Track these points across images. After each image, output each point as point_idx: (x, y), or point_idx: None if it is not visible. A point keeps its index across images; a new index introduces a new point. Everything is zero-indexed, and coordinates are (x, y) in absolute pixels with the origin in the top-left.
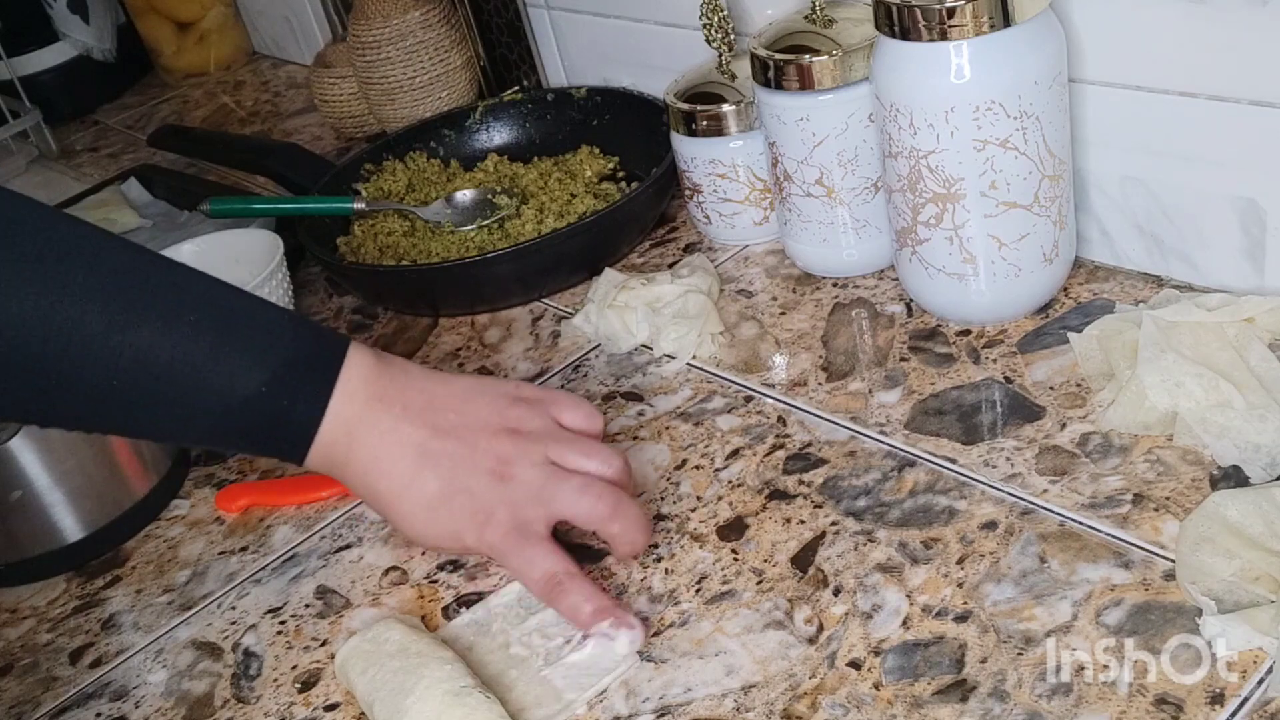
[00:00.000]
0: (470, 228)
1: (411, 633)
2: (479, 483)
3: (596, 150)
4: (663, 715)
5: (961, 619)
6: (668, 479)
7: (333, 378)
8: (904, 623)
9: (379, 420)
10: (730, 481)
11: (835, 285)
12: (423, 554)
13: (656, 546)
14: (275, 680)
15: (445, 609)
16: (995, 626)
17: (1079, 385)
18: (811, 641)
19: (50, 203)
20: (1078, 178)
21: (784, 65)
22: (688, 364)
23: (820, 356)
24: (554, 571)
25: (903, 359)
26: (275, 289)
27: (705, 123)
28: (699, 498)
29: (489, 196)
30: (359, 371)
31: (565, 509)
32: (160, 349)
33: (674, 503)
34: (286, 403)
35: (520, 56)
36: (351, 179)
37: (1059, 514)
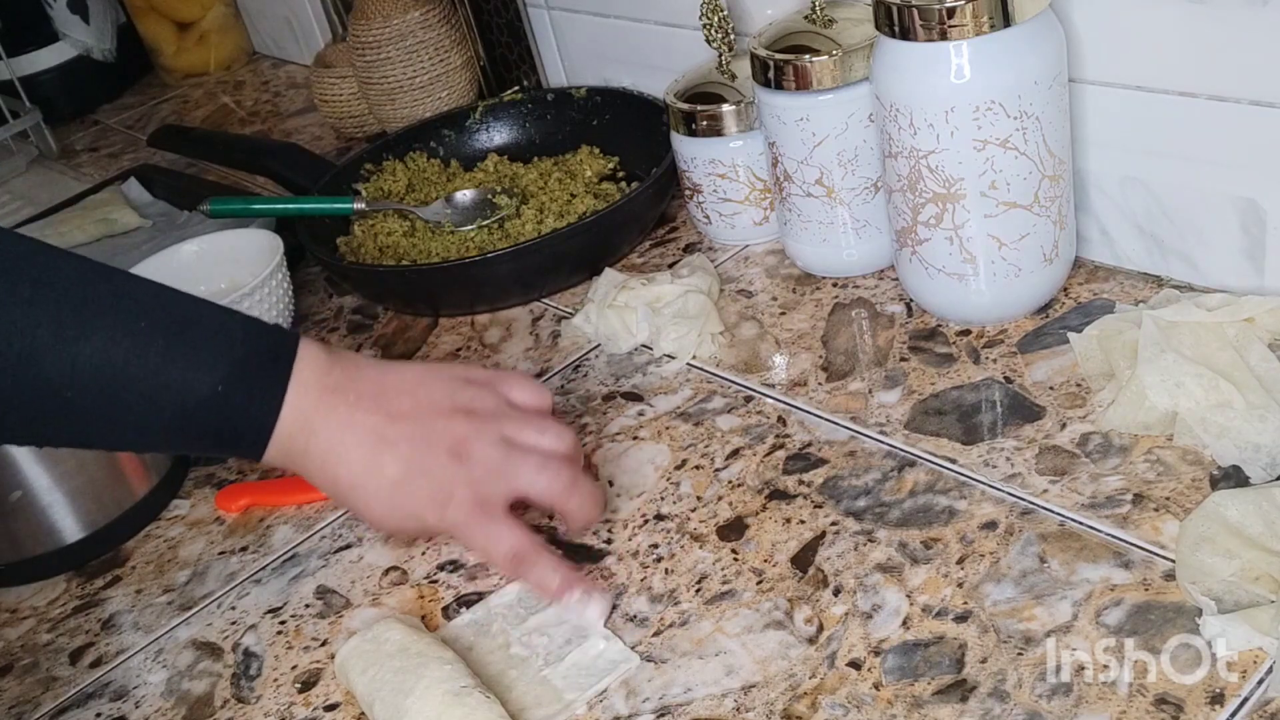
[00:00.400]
0: (470, 228)
1: (411, 633)
2: (438, 463)
3: (596, 150)
4: (663, 715)
5: (961, 619)
6: (668, 479)
7: (286, 372)
8: (904, 623)
9: (335, 410)
10: (730, 481)
11: (835, 285)
12: (423, 554)
13: (657, 546)
14: (275, 680)
15: (445, 609)
16: (995, 626)
17: (1079, 385)
18: (811, 641)
19: (50, 203)
20: (1078, 178)
21: (784, 65)
22: (688, 364)
23: (820, 356)
24: (519, 547)
25: (903, 359)
26: (275, 289)
27: (705, 123)
28: (699, 498)
29: (489, 196)
30: (311, 365)
31: (524, 486)
32: (114, 357)
33: (674, 503)
34: (243, 400)
35: (520, 56)
36: (351, 179)
37: (1059, 514)
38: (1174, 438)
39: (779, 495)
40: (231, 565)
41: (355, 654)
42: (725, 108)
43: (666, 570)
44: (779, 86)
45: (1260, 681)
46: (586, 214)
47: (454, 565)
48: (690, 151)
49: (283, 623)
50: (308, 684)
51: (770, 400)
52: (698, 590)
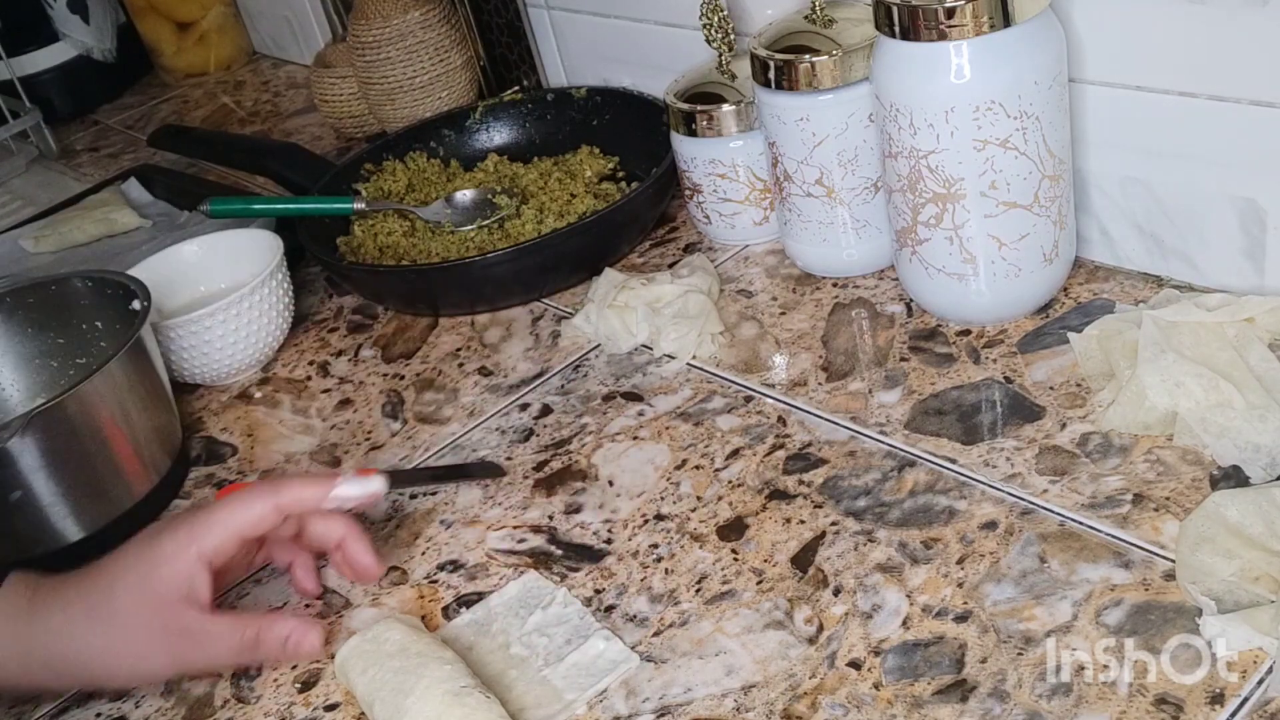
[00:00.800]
0: (470, 228)
1: (412, 633)
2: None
3: (596, 150)
4: (663, 715)
5: (961, 619)
6: (668, 479)
7: None
8: (904, 623)
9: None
10: (730, 481)
11: (835, 285)
12: (423, 554)
13: (657, 546)
14: (275, 680)
15: (445, 609)
16: (995, 626)
17: (1079, 385)
18: (811, 641)
19: (50, 203)
20: (1078, 178)
21: (784, 65)
22: (688, 364)
23: (820, 356)
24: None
25: (903, 359)
26: (275, 289)
27: (705, 123)
28: (699, 498)
29: (489, 196)
30: (12, 589)
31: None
32: None
33: (674, 503)
34: None
35: (520, 56)
36: (351, 179)
37: (1059, 514)
38: (1174, 438)
39: (779, 495)
40: None
41: (355, 654)
42: (725, 108)
43: (666, 570)
44: (779, 86)
45: (1260, 681)
46: (586, 214)
47: (454, 565)
48: (690, 151)
49: None
50: (308, 684)
51: (770, 400)
52: (698, 590)
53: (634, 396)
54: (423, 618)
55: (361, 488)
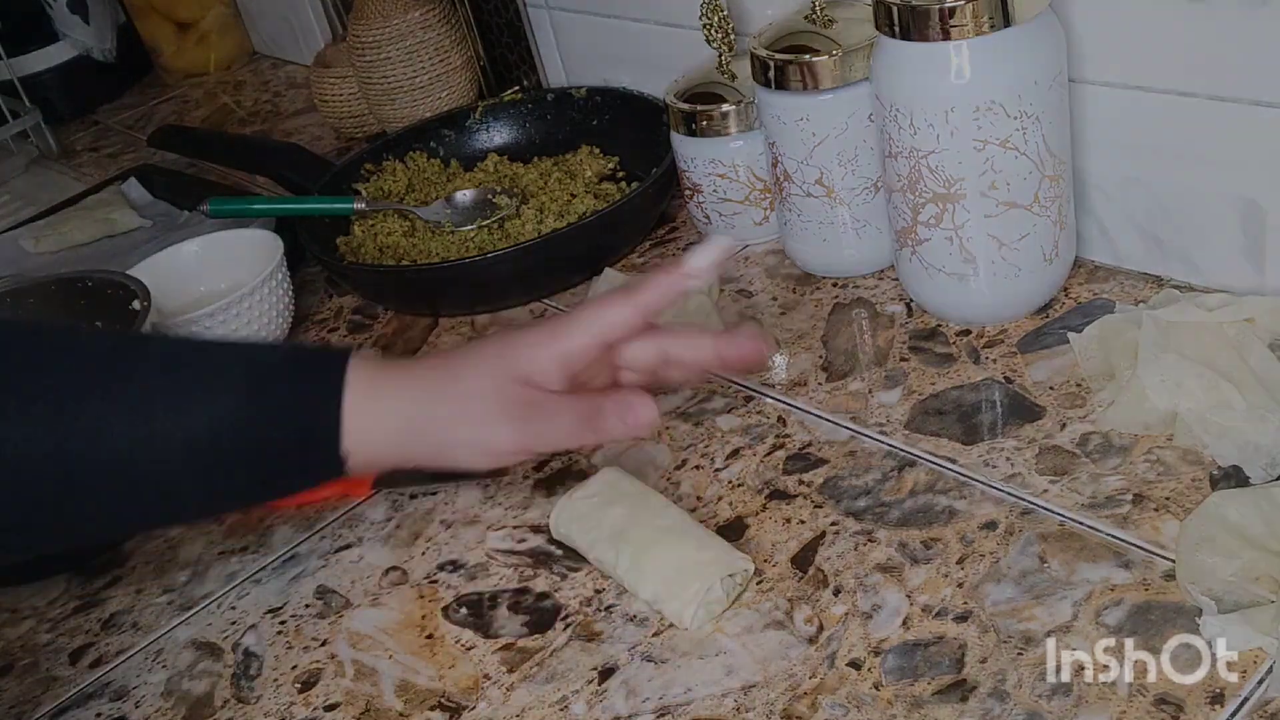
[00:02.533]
0: (470, 228)
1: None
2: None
3: (596, 150)
4: (663, 715)
5: (961, 619)
6: (668, 479)
7: (332, 372)
8: (904, 623)
9: (406, 385)
10: (730, 481)
11: (835, 285)
12: (423, 554)
13: None
14: (275, 680)
15: (445, 609)
16: (995, 626)
17: (1079, 385)
18: (811, 641)
19: (50, 203)
20: (1078, 178)
21: (784, 65)
22: None
23: (820, 356)
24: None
25: (903, 359)
26: (275, 289)
27: (705, 123)
28: (699, 498)
29: (489, 196)
30: (363, 362)
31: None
32: (112, 437)
33: (674, 503)
34: (289, 403)
35: (520, 56)
36: (351, 179)
37: (1059, 514)
38: (1174, 438)
39: (779, 495)
40: (231, 565)
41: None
42: (725, 108)
43: None
44: (779, 86)
45: (1260, 681)
46: (586, 214)
47: (454, 565)
48: (690, 151)
49: (283, 623)
50: (308, 684)
51: (770, 400)
52: None
53: None
54: (422, 618)
55: (712, 250)
